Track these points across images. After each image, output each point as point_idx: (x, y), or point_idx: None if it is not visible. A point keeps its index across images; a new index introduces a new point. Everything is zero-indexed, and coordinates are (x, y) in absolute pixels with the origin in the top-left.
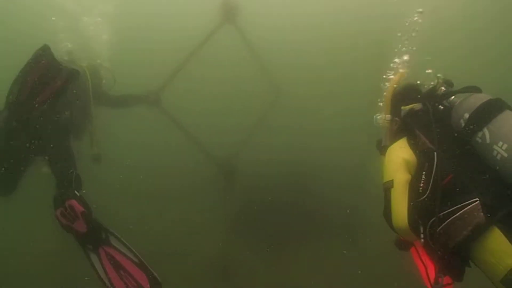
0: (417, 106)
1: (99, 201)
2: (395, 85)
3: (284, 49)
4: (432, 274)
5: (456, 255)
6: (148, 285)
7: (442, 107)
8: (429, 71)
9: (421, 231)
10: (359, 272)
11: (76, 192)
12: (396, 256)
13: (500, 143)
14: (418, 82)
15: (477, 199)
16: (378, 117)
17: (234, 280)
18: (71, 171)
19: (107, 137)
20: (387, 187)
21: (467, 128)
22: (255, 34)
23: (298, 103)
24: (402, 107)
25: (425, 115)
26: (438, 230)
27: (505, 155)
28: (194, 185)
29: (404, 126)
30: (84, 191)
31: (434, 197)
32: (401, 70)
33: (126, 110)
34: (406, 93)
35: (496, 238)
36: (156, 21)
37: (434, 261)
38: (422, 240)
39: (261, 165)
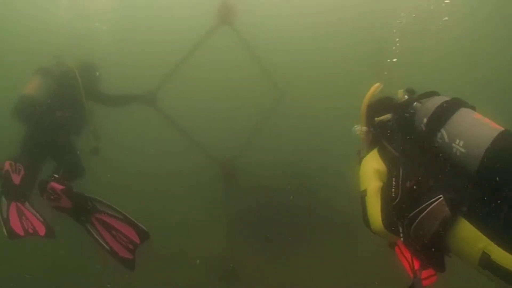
0: (387, 117)
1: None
2: (369, 98)
3: (284, 49)
4: (415, 268)
5: (434, 248)
6: (138, 238)
7: (408, 115)
8: (401, 90)
9: (401, 230)
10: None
11: (54, 175)
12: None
13: (457, 141)
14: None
15: (441, 196)
16: (356, 128)
17: (236, 280)
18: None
19: (109, 140)
20: (362, 196)
21: (427, 132)
22: (254, 35)
23: (299, 104)
24: (376, 118)
25: (392, 125)
26: (412, 228)
27: (463, 150)
28: (195, 186)
29: (375, 137)
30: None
31: (404, 200)
32: (375, 84)
33: (128, 113)
34: (379, 105)
35: (464, 227)
36: (154, 21)
37: (415, 257)
38: (402, 239)
39: (262, 166)
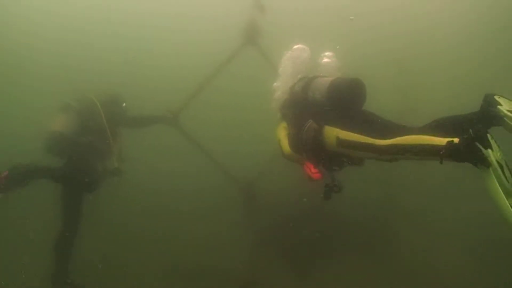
0: (286, 100)
1: (125, 220)
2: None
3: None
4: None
5: (321, 154)
6: None
7: (294, 94)
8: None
9: (304, 153)
10: None
11: None
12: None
13: (317, 93)
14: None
15: (310, 120)
16: (278, 115)
17: None
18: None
19: (130, 160)
20: (278, 142)
21: (302, 95)
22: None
23: None
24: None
25: (288, 101)
26: (303, 143)
27: (320, 97)
28: (215, 206)
29: (283, 114)
30: None
31: (295, 133)
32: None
33: (150, 135)
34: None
35: (327, 130)
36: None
37: (313, 164)
38: (305, 156)
39: (281, 188)
